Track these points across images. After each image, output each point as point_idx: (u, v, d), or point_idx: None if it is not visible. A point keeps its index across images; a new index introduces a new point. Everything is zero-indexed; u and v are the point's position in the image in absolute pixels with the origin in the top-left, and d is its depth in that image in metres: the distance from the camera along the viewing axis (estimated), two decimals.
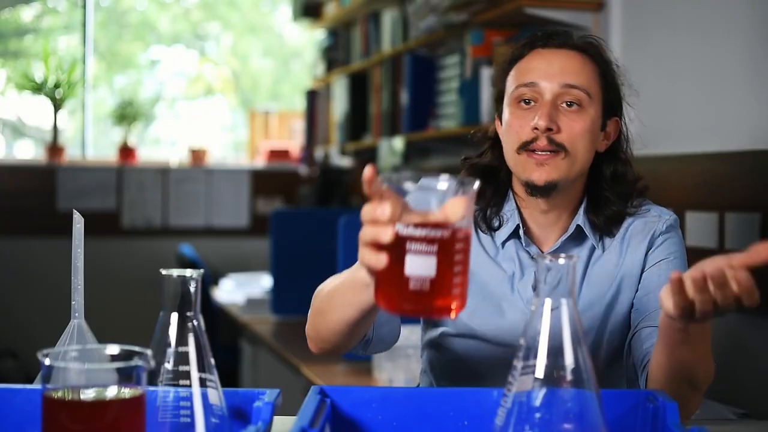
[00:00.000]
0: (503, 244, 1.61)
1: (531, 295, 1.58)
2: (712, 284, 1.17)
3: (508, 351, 1.58)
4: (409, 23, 3.80)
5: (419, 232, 0.99)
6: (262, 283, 4.46)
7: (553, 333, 0.99)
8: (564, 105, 1.53)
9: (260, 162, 5.69)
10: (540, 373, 0.99)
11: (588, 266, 1.59)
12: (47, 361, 0.93)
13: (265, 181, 5.60)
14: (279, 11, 6.90)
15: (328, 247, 3.41)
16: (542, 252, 1.60)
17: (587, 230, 1.59)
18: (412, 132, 3.77)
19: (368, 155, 4.58)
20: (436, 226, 0.99)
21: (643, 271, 1.59)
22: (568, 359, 0.99)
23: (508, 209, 1.62)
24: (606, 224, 1.60)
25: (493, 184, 1.63)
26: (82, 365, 0.93)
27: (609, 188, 1.61)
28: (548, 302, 1.00)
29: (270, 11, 7.02)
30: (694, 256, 2.34)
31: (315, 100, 5.21)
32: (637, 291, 1.59)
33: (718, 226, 2.28)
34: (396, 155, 3.97)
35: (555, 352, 0.99)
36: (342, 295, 1.37)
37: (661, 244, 1.59)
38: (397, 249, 1.00)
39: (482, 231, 1.62)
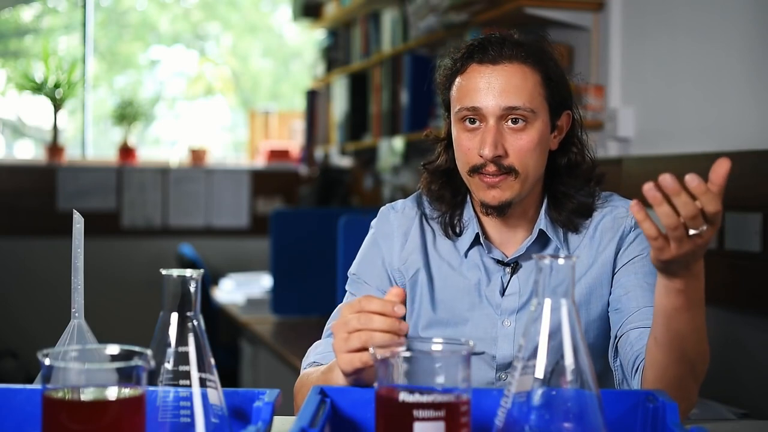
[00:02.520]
0: (466, 253, 1.61)
1: (499, 301, 1.58)
2: (670, 197, 1.15)
3: (483, 361, 1.58)
4: (409, 23, 3.80)
5: (426, 399, 0.98)
6: (262, 283, 4.47)
7: (552, 333, 0.99)
8: (509, 123, 1.52)
9: (260, 162, 5.69)
10: (540, 373, 0.99)
11: None
12: (47, 361, 0.93)
13: (265, 181, 5.60)
14: (279, 11, 6.90)
15: (328, 247, 3.42)
16: (506, 256, 1.60)
17: (550, 233, 1.58)
18: (412, 132, 3.77)
19: (368, 155, 4.58)
20: (443, 391, 0.99)
21: (615, 269, 1.58)
22: (568, 359, 0.99)
23: (468, 216, 1.62)
24: (569, 219, 1.59)
25: (450, 187, 1.63)
26: (82, 365, 0.93)
27: (566, 181, 1.60)
28: (548, 302, 1.00)
29: (270, 11, 7.02)
30: None
31: (315, 100, 5.21)
32: (611, 290, 1.58)
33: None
34: (396, 155, 3.97)
35: (555, 352, 0.99)
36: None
37: (634, 240, 1.58)
38: (403, 417, 0.99)
39: (447, 237, 1.63)
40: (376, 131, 4.26)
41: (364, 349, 1.20)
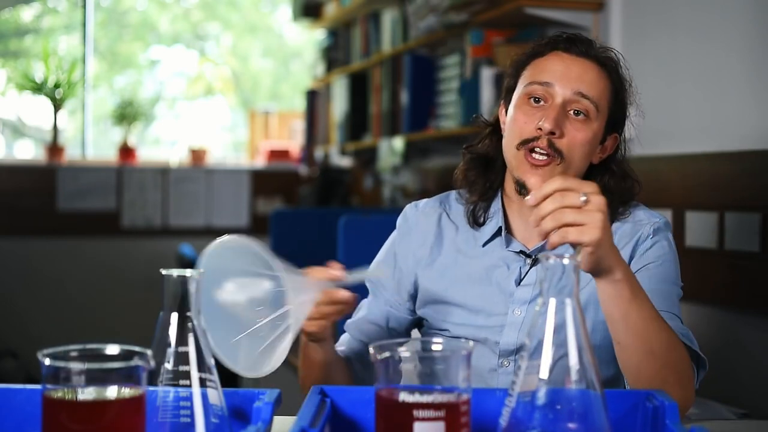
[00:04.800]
0: (485, 243, 1.63)
1: (514, 289, 1.60)
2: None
3: (486, 347, 1.59)
4: (409, 23, 3.80)
5: (426, 399, 0.98)
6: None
7: (557, 333, 0.99)
8: (572, 113, 1.55)
9: (260, 162, 5.69)
10: (544, 373, 0.99)
11: None
12: (47, 361, 0.93)
13: (265, 181, 5.60)
14: (279, 11, 6.90)
15: (328, 247, 3.41)
16: (528, 248, 1.61)
17: None
18: (412, 132, 3.77)
19: (368, 155, 4.58)
20: (442, 391, 0.99)
21: None
22: (573, 359, 0.99)
23: (494, 209, 1.65)
24: None
25: (486, 177, 1.65)
26: (82, 365, 0.93)
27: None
28: (553, 302, 1.00)
29: (270, 11, 7.02)
30: (694, 256, 2.35)
31: (315, 100, 5.21)
32: None
33: (718, 226, 2.28)
34: (396, 155, 3.97)
35: (559, 352, 0.99)
36: (308, 371, 1.59)
37: (650, 248, 1.58)
38: (403, 417, 0.99)
39: (470, 225, 1.65)
40: (376, 131, 4.26)
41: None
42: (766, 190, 2.15)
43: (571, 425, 0.98)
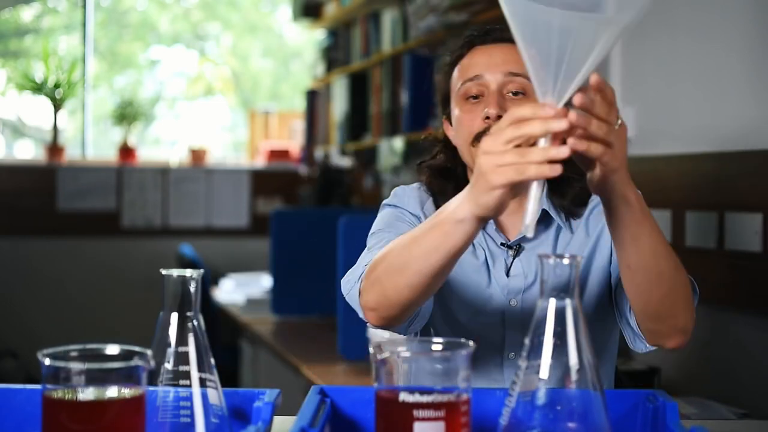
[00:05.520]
0: None
1: (506, 281, 1.59)
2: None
3: (492, 344, 1.59)
4: (409, 23, 3.80)
5: (426, 399, 0.98)
6: (262, 283, 4.46)
7: (557, 333, 0.99)
8: (510, 95, 1.56)
9: (260, 162, 5.69)
10: (544, 373, 0.99)
11: (556, 248, 1.60)
12: (47, 361, 0.93)
13: (265, 181, 5.60)
14: (279, 11, 6.90)
15: (328, 247, 3.41)
16: (509, 239, 1.61)
17: (552, 212, 1.60)
18: (412, 132, 3.77)
19: (368, 155, 4.58)
20: (442, 391, 0.99)
21: (598, 243, 1.59)
22: (573, 359, 0.99)
23: None
24: (571, 205, 1.60)
25: (452, 181, 1.65)
26: (82, 365, 0.93)
27: (568, 167, 1.61)
28: (552, 302, 1.00)
29: (270, 11, 7.02)
30: (694, 255, 2.35)
31: (315, 100, 5.21)
32: (611, 260, 1.58)
33: (718, 226, 2.28)
34: (396, 155, 3.97)
35: (559, 351, 0.99)
36: (427, 239, 1.31)
37: (598, 210, 1.59)
38: (403, 418, 0.99)
39: None
40: (376, 131, 4.26)
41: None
42: (766, 190, 2.15)
43: (571, 425, 0.99)
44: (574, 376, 0.99)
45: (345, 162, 5.03)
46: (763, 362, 2.21)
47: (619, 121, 1.23)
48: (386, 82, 4.11)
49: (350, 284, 1.53)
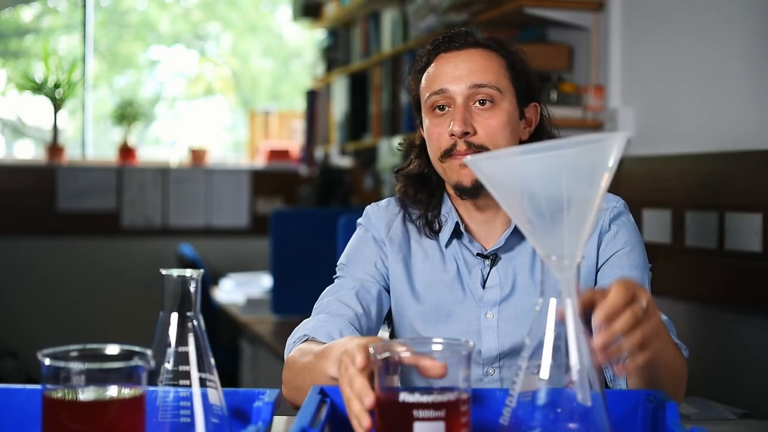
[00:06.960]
0: (447, 245, 1.63)
1: (481, 293, 1.59)
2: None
3: (480, 358, 1.58)
4: (409, 23, 3.80)
5: (426, 399, 0.98)
6: (262, 283, 4.46)
7: (557, 333, 0.99)
8: (477, 105, 1.56)
9: (260, 162, 5.69)
10: (545, 373, 0.99)
11: (534, 259, 1.59)
12: (47, 361, 0.93)
13: (265, 181, 5.60)
14: (279, 11, 6.90)
15: (328, 247, 3.41)
16: (485, 248, 1.61)
17: None
18: (412, 132, 3.77)
19: (368, 155, 4.58)
20: (442, 391, 0.98)
21: (598, 264, 1.58)
22: (573, 359, 0.99)
23: (446, 210, 1.65)
24: None
25: (426, 189, 1.66)
26: (82, 365, 0.93)
27: None
28: (553, 302, 1.00)
29: (270, 11, 7.02)
30: (694, 256, 2.35)
31: (315, 100, 5.21)
32: (596, 283, 1.57)
33: (718, 226, 2.28)
34: (396, 155, 3.97)
35: (560, 352, 0.99)
36: (313, 374, 1.33)
37: (615, 235, 1.58)
38: (403, 417, 0.99)
39: (427, 236, 1.64)
40: (376, 131, 4.26)
41: None
42: (766, 190, 2.15)
43: (572, 425, 0.99)
44: (574, 376, 0.99)
45: (345, 162, 5.03)
46: (763, 362, 2.21)
47: (644, 303, 1.10)
48: (386, 82, 4.11)
49: (289, 346, 1.54)
